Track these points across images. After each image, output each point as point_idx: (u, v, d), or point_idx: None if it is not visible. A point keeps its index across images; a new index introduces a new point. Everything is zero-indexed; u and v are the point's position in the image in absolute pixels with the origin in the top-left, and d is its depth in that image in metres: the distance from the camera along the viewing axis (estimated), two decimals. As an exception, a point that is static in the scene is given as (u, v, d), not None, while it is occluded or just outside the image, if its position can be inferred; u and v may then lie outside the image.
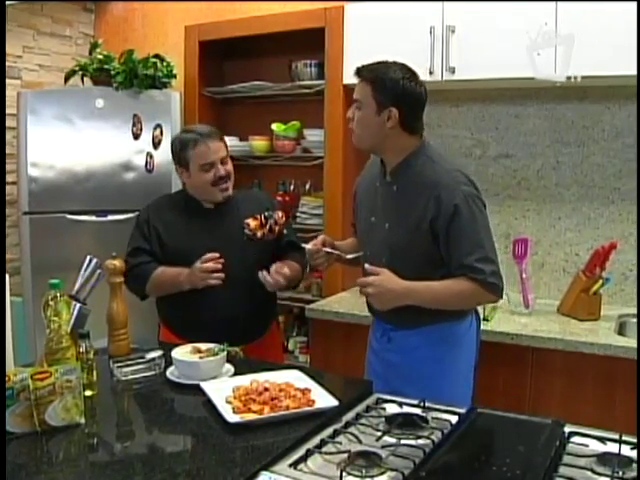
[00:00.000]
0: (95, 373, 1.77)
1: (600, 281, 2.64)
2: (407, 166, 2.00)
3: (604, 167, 2.85)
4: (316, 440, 1.46)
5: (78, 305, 1.95)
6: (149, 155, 3.40)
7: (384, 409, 1.67)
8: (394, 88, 1.92)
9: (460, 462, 1.40)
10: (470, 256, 1.90)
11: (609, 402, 2.28)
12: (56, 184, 3.32)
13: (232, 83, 3.48)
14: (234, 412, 1.57)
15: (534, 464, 1.32)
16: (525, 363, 2.42)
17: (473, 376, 2.10)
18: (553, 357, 2.37)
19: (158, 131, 3.39)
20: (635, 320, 2.63)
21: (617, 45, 2.39)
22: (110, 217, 3.36)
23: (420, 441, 1.45)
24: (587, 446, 1.44)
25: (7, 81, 3.60)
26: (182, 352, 1.90)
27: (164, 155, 3.37)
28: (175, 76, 3.51)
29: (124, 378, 1.88)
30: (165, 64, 3.47)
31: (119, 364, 1.90)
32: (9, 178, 3.61)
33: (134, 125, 3.38)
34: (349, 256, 2.13)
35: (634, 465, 1.33)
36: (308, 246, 2.12)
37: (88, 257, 2.04)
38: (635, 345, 2.25)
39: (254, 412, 1.57)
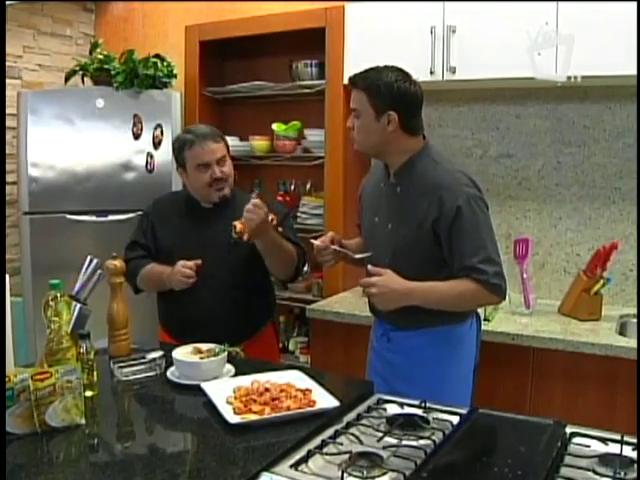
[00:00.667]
0: (95, 374, 1.77)
1: (601, 281, 2.64)
2: (410, 167, 2.00)
3: (605, 167, 2.85)
4: (317, 441, 1.46)
5: (78, 305, 1.95)
6: (149, 155, 3.40)
7: (385, 410, 1.67)
8: (389, 92, 1.92)
9: (461, 463, 1.40)
10: (473, 257, 1.89)
11: (610, 402, 2.28)
12: (56, 184, 3.32)
13: (232, 83, 3.48)
14: (235, 413, 1.57)
15: (535, 465, 1.32)
16: (526, 363, 2.42)
17: (473, 377, 2.10)
18: (554, 357, 2.37)
19: (158, 131, 3.39)
20: (636, 320, 2.63)
21: (617, 45, 2.39)
22: (110, 217, 3.36)
23: (421, 442, 1.45)
24: (588, 447, 1.44)
25: (7, 81, 3.60)
26: (183, 352, 1.90)
27: (164, 155, 3.38)
28: (175, 76, 3.51)
29: (124, 378, 1.87)
30: (165, 64, 3.47)
31: (119, 364, 1.90)
32: (9, 178, 3.61)
33: (134, 125, 3.37)
34: (357, 256, 2.11)
35: (636, 466, 1.33)
36: (316, 242, 2.12)
37: (88, 257, 2.04)
38: (636, 345, 2.24)
39: (255, 413, 1.56)
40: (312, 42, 3.05)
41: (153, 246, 2.41)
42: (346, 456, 1.37)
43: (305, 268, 3.27)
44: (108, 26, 4.15)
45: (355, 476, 1.30)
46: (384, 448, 1.42)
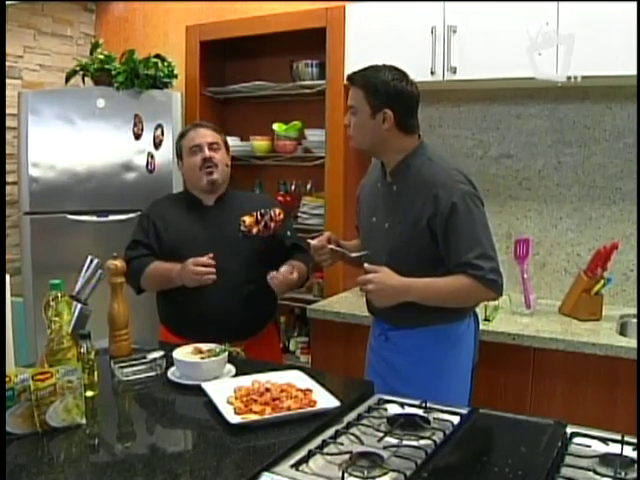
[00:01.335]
0: (96, 374, 1.77)
1: (601, 281, 2.64)
2: (406, 166, 2.02)
3: (606, 167, 2.85)
4: (318, 441, 1.45)
5: (79, 305, 1.95)
6: (150, 155, 3.40)
7: (386, 410, 1.67)
8: (386, 90, 1.94)
9: (462, 463, 1.40)
10: (468, 253, 1.90)
11: (611, 402, 2.28)
12: (57, 184, 3.32)
13: (233, 83, 3.48)
14: (235, 413, 1.57)
15: (536, 465, 1.32)
16: (526, 363, 2.42)
17: (471, 377, 2.10)
18: (554, 357, 2.36)
19: (159, 131, 3.39)
20: (636, 320, 2.63)
21: (617, 45, 2.39)
22: (111, 217, 3.36)
23: (422, 442, 1.45)
24: (589, 447, 1.44)
25: (8, 81, 3.60)
26: (183, 352, 1.90)
27: (165, 155, 3.38)
28: (176, 76, 3.51)
29: (125, 379, 1.87)
30: (166, 64, 3.47)
31: (120, 365, 1.90)
32: (10, 178, 3.61)
33: (135, 125, 3.37)
34: (353, 254, 2.13)
35: (636, 466, 1.33)
36: (313, 242, 2.14)
37: (89, 257, 2.04)
38: (636, 345, 2.24)
39: (255, 413, 1.56)
40: (313, 42, 3.05)
41: (157, 246, 2.41)
42: (347, 456, 1.37)
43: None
44: (109, 26, 4.15)
45: (356, 476, 1.30)
46: (385, 448, 1.42)
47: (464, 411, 1.63)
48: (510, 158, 3.03)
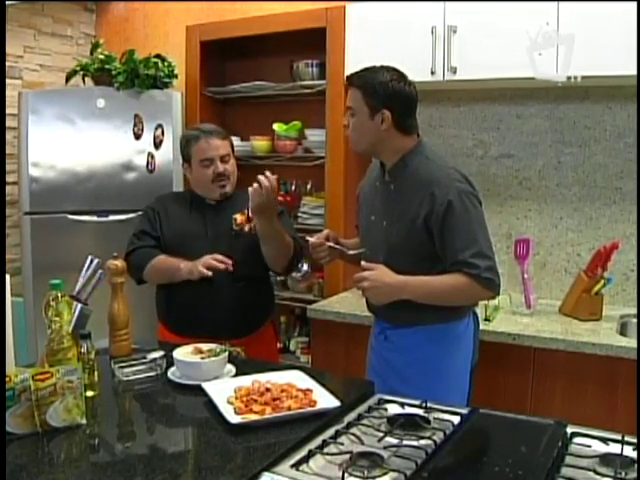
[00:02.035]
0: (96, 374, 1.77)
1: (602, 281, 2.64)
2: (404, 165, 2.03)
3: (606, 167, 2.85)
4: (318, 441, 1.45)
5: (79, 305, 1.95)
6: (150, 155, 3.40)
7: (386, 410, 1.67)
8: (384, 91, 1.95)
9: (462, 463, 1.40)
10: (464, 251, 1.91)
11: (611, 402, 2.28)
12: (57, 184, 3.31)
13: (233, 83, 3.48)
14: (236, 413, 1.57)
15: (536, 465, 1.32)
16: (527, 363, 2.42)
17: (471, 377, 2.10)
18: (555, 357, 2.36)
19: (159, 131, 3.39)
20: (636, 320, 2.63)
21: (617, 45, 2.39)
22: (111, 217, 3.36)
23: (422, 442, 1.45)
24: (589, 447, 1.44)
25: (8, 81, 3.60)
26: (183, 352, 1.90)
27: (165, 155, 3.38)
28: (176, 76, 3.51)
29: (125, 379, 1.87)
30: (166, 64, 3.47)
31: (120, 364, 1.90)
32: (10, 178, 3.61)
33: (135, 125, 3.37)
34: (351, 252, 2.15)
35: (636, 466, 1.32)
36: (312, 239, 2.15)
37: (89, 257, 2.04)
38: (636, 345, 2.24)
39: (256, 413, 1.56)
40: (313, 42, 3.05)
41: (161, 238, 2.43)
42: (347, 456, 1.37)
43: (305, 267, 3.29)
44: (109, 26, 4.15)
45: (356, 476, 1.30)
46: (385, 448, 1.42)
47: (464, 411, 1.63)
48: (510, 158, 3.03)
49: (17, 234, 3.51)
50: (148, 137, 3.39)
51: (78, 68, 3.49)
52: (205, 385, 1.72)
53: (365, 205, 2.19)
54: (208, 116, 3.40)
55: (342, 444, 1.45)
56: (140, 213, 2.56)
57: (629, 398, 2.20)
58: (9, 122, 3.56)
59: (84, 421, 1.55)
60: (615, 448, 1.42)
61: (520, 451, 1.40)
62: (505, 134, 3.03)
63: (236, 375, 1.86)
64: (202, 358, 1.86)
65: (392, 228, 2.03)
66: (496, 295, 2.00)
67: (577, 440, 1.47)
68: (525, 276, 2.76)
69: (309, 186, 3.43)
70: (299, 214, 3.33)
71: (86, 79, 3.53)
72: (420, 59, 2.70)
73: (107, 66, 3.38)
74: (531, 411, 2.36)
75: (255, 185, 2.17)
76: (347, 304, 2.86)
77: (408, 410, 1.65)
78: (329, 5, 3.04)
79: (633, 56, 2.35)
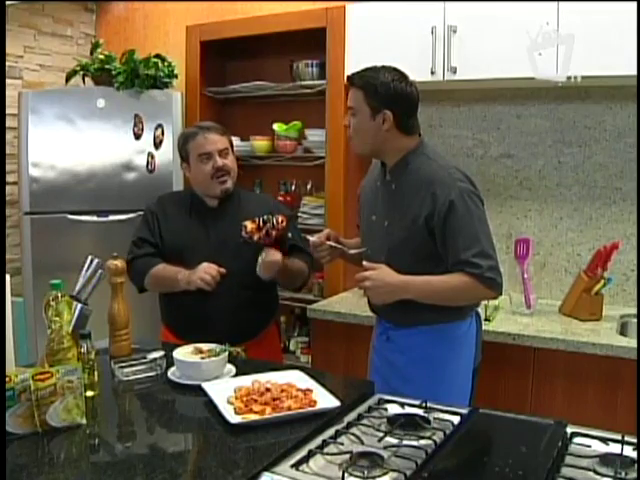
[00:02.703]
0: (96, 374, 1.77)
1: (602, 281, 2.64)
2: (405, 164, 2.02)
3: (606, 167, 2.85)
4: (318, 441, 1.45)
5: (79, 305, 1.95)
6: (150, 155, 3.40)
7: (386, 410, 1.67)
8: (385, 91, 1.95)
9: (462, 463, 1.40)
10: (467, 251, 1.90)
11: (611, 402, 2.28)
12: (57, 184, 3.32)
13: (233, 83, 3.48)
14: (236, 413, 1.57)
15: (536, 465, 1.32)
16: (527, 363, 2.42)
17: (473, 378, 2.10)
18: (555, 357, 2.36)
19: (159, 131, 3.39)
20: (636, 320, 2.63)
21: (617, 45, 2.39)
22: (111, 217, 3.36)
23: (422, 442, 1.45)
24: (589, 447, 1.44)
25: (8, 81, 3.60)
26: (183, 352, 1.90)
27: (165, 155, 3.38)
28: (176, 76, 3.51)
29: (125, 379, 1.87)
30: (166, 64, 3.47)
31: (120, 364, 1.90)
32: (10, 178, 3.61)
33: (135, 125, 3.38)
34: (352, 251, 2.14)
35: (636, 466, 1.32)
36: (313, 239, 2.15)
37: (89, 257, 2.04)
38: (636, 345, 2.24)
39: (256, 413, 1.56)
40: (313, 42, 3.05)
41: (160, 244, 2.40)
42: (347, 456, 1.37)
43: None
44: (109, 26, 4.15)
45: (356, 476, 1.30)
46: (385, 448, 1.42)
47: (464, 411, 1.63)
48: (510, 158, 3.03)
49: (17, 234, 3.51)
50: (148, 137, 3.39)
51: (78, 68, 3.49)
52: (205, 385, 1.72)
53: (366, 205, 2.19)
54: (208, 116, 3.40)
55: (342, 444, 1.45)
56: (140, 214, 2.54)
57: (629, 398, 2.20)
58: (9, 122, 3.56)
59: (84, 421, 1.55)
60: (615, 448, 1.42)
61: (520, 451, 1.40)
62: (505, 134, 3.03)
63: (236, 375, 1.86)
64: (202, 358, 1.86)
65: (393, 228, 2.02)
66: (499, 295, 2.00)
67: (577, 440, 1.47)
68: (525, 276, 2.76)
69: (309, 186, 3.43)
70: (299, 214, 3.33)
71: (86, 79, 3.53)
72: (420, 59, 2.70)
73: (107, 66, 3.39)
74: (531, 411, 2.36)
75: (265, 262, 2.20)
76: (347, 304, 2.86)
77: (408, 410, 1.65)
78: (329, 5, 3.05)
79: (633, 56, 2.35)
